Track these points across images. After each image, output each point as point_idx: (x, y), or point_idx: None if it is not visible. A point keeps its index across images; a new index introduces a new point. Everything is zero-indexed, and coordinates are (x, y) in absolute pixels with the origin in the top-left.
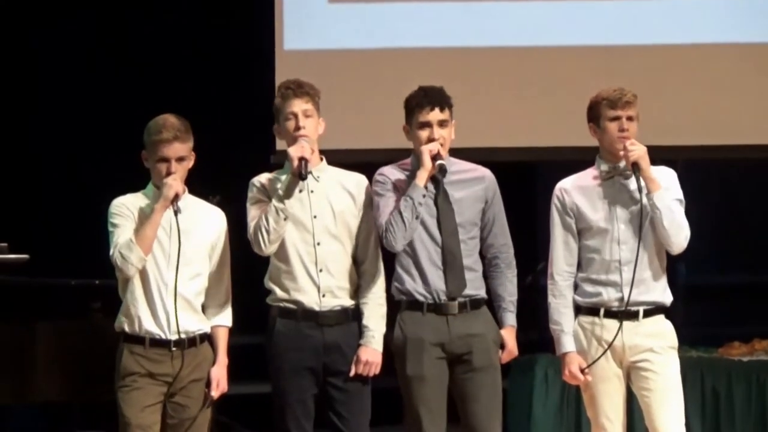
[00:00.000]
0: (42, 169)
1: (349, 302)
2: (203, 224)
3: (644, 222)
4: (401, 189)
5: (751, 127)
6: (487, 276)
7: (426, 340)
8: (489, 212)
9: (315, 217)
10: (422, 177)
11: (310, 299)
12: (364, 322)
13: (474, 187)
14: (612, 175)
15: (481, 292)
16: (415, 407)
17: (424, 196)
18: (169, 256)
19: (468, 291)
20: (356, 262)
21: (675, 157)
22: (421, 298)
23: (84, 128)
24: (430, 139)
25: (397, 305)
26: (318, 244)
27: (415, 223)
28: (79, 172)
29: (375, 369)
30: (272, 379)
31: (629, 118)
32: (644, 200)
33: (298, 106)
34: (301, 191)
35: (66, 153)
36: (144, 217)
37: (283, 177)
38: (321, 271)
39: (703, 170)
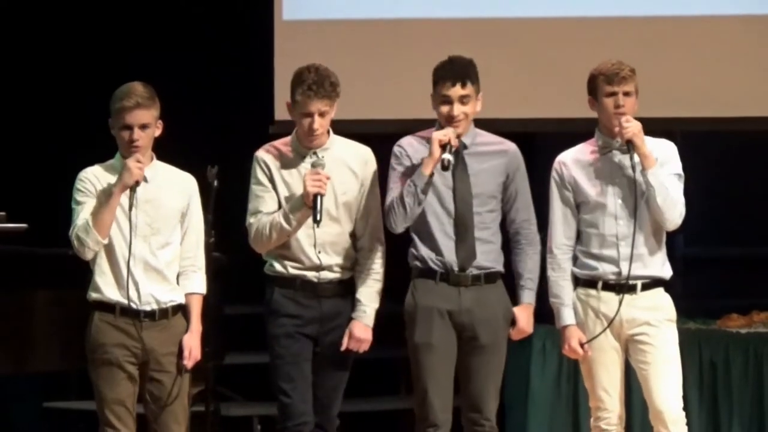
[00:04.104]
0: (40, 137)
1: (348, 275)
2: (172, 192)
3: (639, 198)
4: (418, 161)
5: (751, 100)
6: (509, 252)
7: (436, 309)
8: (511, 187)
9: None
10: (428, 165)
11: (309, 274)
12: (357, 296)
13: (495, 161)
14: (609, 149)
15: (497, 266)
16: (421, 375)
17: (427, 184)
18: (136, 227)
19: (481, 263)
20: (354, 236)
21: (674, 129)
22: (434, 267)
23: (82, 97)
24: (450, 116)
25: (412, 271)
26: (318, 226)
27: (417, 209)
28: (78, 140)
29: (365, 346)
30: (267, 344)
31: (626, 94)
32: (638, 177)
33: (317, 107)
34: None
35: (65, 121)
36: (104, 197)
37: (289, 151)
38: (320, 252)
39: (701, 142)
